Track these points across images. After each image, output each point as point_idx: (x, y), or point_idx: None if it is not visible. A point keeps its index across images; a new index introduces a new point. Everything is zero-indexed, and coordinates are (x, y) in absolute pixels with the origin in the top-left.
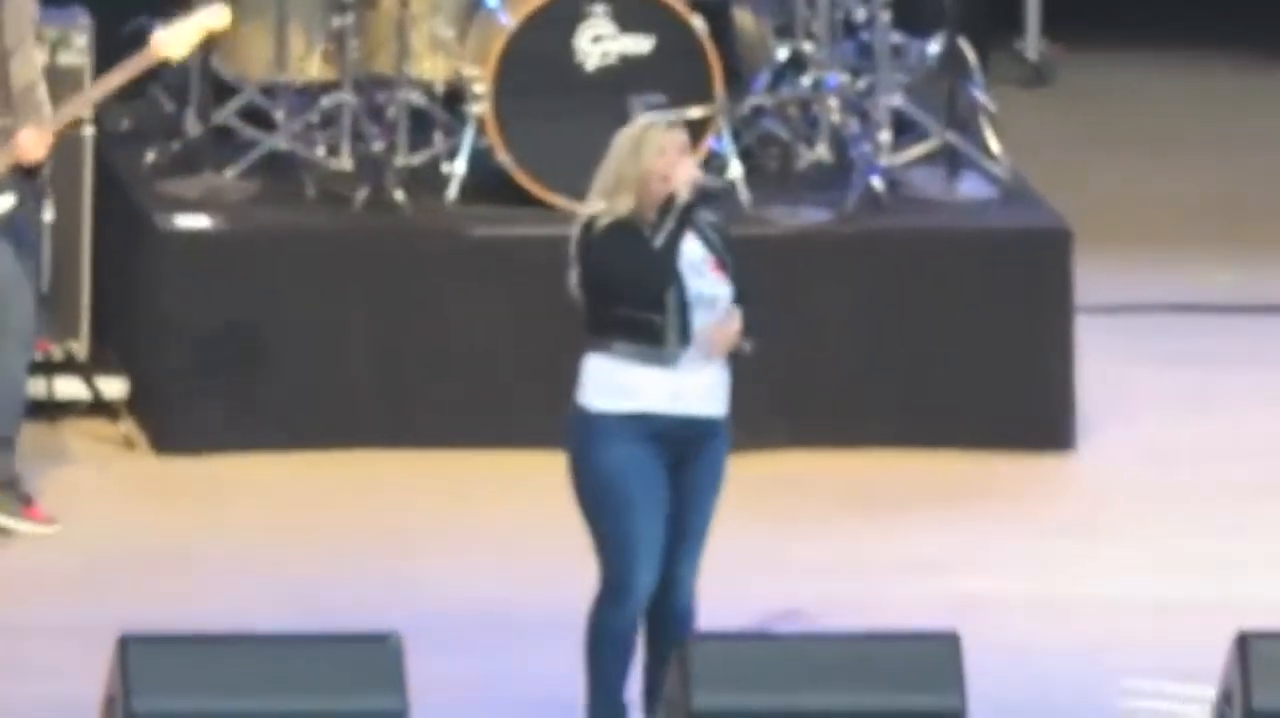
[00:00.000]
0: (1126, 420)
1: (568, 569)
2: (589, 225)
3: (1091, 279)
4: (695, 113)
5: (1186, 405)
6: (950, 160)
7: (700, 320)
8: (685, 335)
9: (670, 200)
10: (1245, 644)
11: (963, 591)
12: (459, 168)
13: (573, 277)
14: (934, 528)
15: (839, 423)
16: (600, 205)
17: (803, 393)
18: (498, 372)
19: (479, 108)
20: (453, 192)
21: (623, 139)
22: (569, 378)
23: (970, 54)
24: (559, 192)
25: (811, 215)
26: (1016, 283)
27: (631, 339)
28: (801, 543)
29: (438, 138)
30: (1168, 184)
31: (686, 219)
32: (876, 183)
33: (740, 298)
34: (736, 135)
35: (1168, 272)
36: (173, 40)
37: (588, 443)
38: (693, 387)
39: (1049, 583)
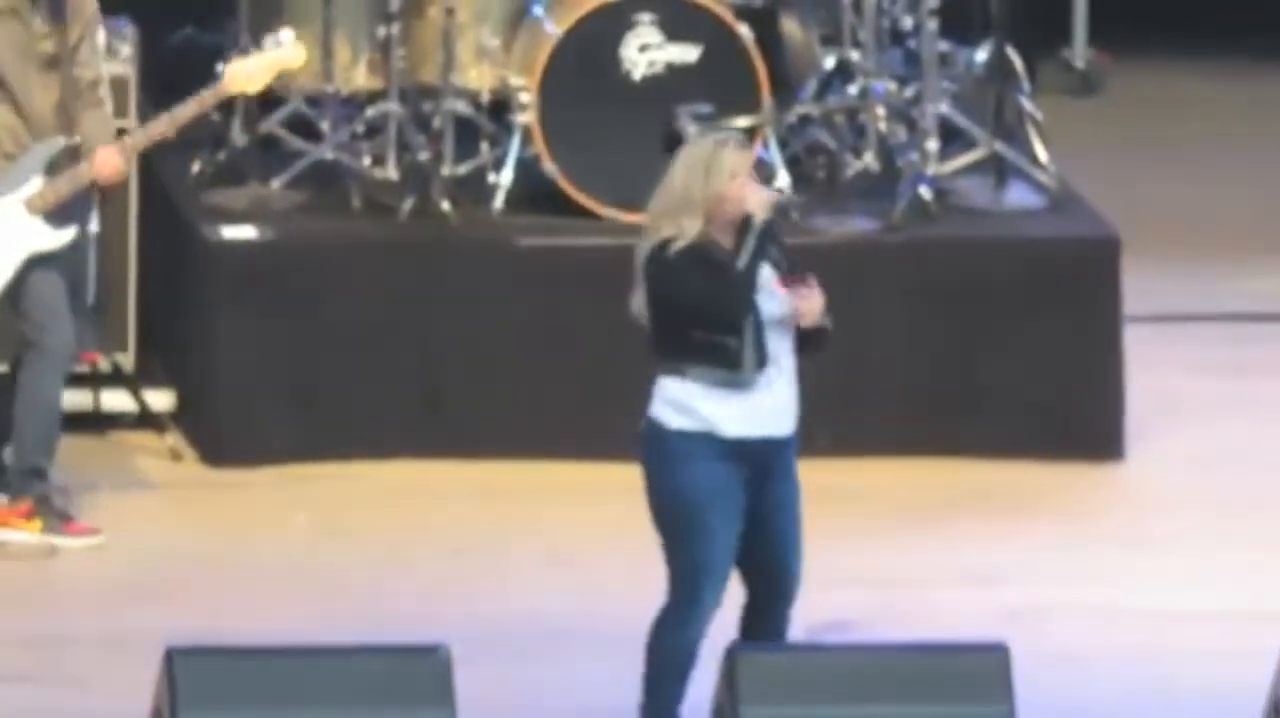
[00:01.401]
0: (1176, 430)
1: (616, 581)
2: (661, 248)
3: (1141, 288)
4: (742, 122)
5: (1236, 415)
6: (998, 169)
7: (773, 343)
8: (761, 358)
9: (746, 223)
10: None
11: (1013, 600)
12: (505, 177)
13: (637, 298)
14: (983, 538)
15: (887, 432)
16: (667, 226)
17: (850, 403)
18: (543, 382)
19: (525, 117)
20: (498, 201)
21: (692, 159)
22: (614, 389)
23: (1018, 62)
24: (605, 201)
25: (859, 225)
26: (1065, 292)
27: (707, 363)
28: (850, 553)
29: (484, 147)
30: (1217, 192)
31: (764, 242)
32: (924, 192)
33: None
34: (783, 144)
35: (1217, 280)
36: (246, 75)
37: (664, 460)
38: (769, 407)
39: (1099, 593)
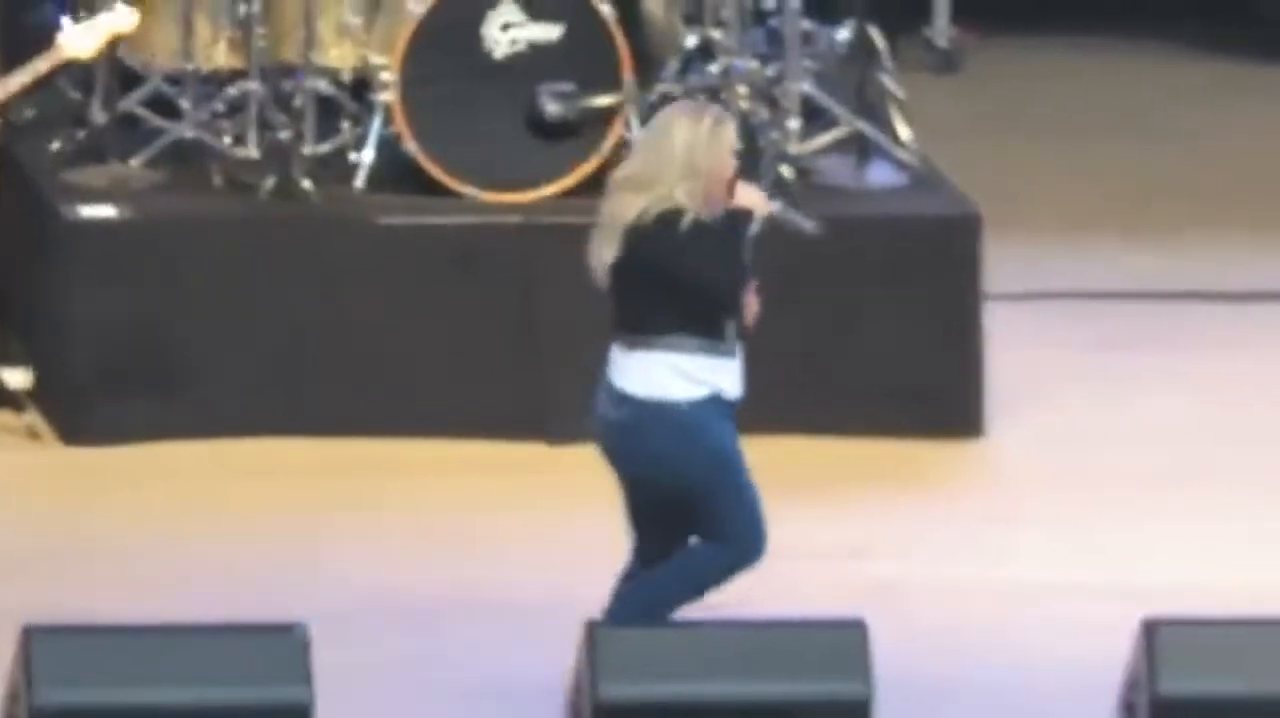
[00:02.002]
0: (1037, 407)
1: (474, 554)
2: (669, 218)
3: (1002, 265)
4: (604, 100)
5: (1097, 391)
6: (860, 148)
7: None
8: (739, 330)
9: (747, 215)
10: (1152, 631)
11: (875, 576)
12: (366, 156)
13: (604, 257)
14: (845, 514)
15: (750, 411)
16: (661, 191)
17: None
18: (405, 359)
19: (386, 96)
20: (360, 180)
21: (694, 129)
22: (475, 366)
23: (880, 41)
24: (467, 180)
25: None
26: (927, 270)
27: (695, 334)
28: None
29: (345, 126)
30: (1079, 169)
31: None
32: (786, 171)
33: None
34: (645, 123)
35: (1079, 257)
36: (79, 40)
37: (691, 432)
38: (741, 372)
39: (960, 568)
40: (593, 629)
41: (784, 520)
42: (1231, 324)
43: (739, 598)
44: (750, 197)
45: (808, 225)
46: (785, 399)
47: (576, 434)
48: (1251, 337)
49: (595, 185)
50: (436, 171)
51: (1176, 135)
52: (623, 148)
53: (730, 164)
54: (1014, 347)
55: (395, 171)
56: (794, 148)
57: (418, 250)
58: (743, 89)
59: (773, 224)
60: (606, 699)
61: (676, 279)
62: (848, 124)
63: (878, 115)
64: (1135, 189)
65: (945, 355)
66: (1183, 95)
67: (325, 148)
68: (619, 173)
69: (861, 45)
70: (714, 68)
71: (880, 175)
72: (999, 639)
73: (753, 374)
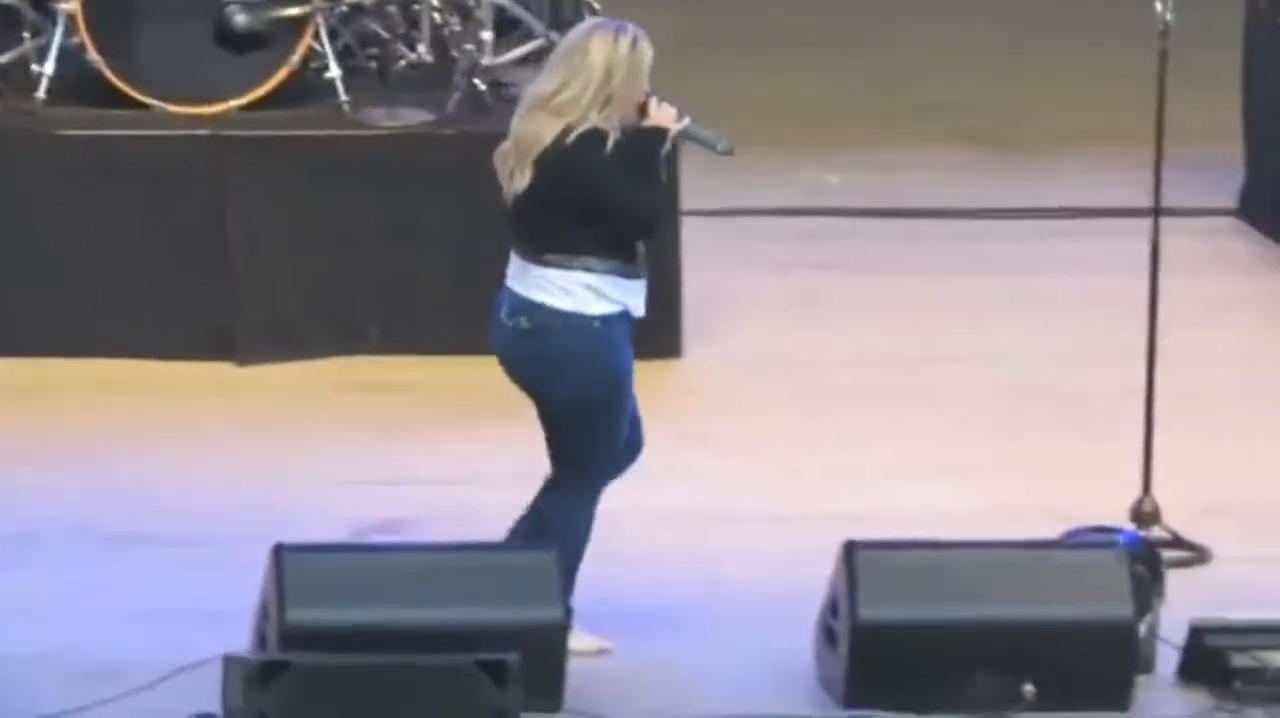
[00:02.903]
0: (734, 328)
1: (155, 481)
2: (587, 140)
3: (697, 183)
4: (292, 11)
5: (795, 312)
6: None
7: None
8: (647, 252)
9: (660, 134)
10: (852, 554)
11: None
12: (48, 67)
13: (518, 179)
14: (539, 437)
15: (441, 329)
16: (573, 114)
17: (403, 297)
18: (88, 277)
19: (68, 6)
20: (41, 91)
21: (613, 52)
22: (157, 283)
23: None
24: (153, 92)
25: (412, 117)
26: None
27: (609, 256)
28: (402, 452)
29: (26, 37)
30: (772, 86)
31: (672, 156)
32: (479, 84)
33: None
34: (334, 35)
35: (774, 175)
36: None
37: (595, 350)
38: (645, 290)
39: (657, 494)
40: (280, 553)
41: (470, 445)
42: (929, 243)
43: (426, 521)
44: (662, 115)
45: (718, 143)
46: (475, 319)
47: (266, 354)
48: (947, 256)
49: (285, 97)
50: (121, 84)
51: (868, 51)
52: (311, 59)
53: (645, 86)
54: (709, 266)
55: (78, 83)
56: (487, 59)
57: (102, 164)
58: (435, 0)
59: (683, 140)
60: (292, 623)
61: (599, 203)
62: (542, 36)
63: (573, 27)
64: (830, 105)
65: None
66: (872, 9)
67: (5, 58)
68: (533, 92)
69: None
70: None
71: None
72: (697, 565)
73: (440, 291)
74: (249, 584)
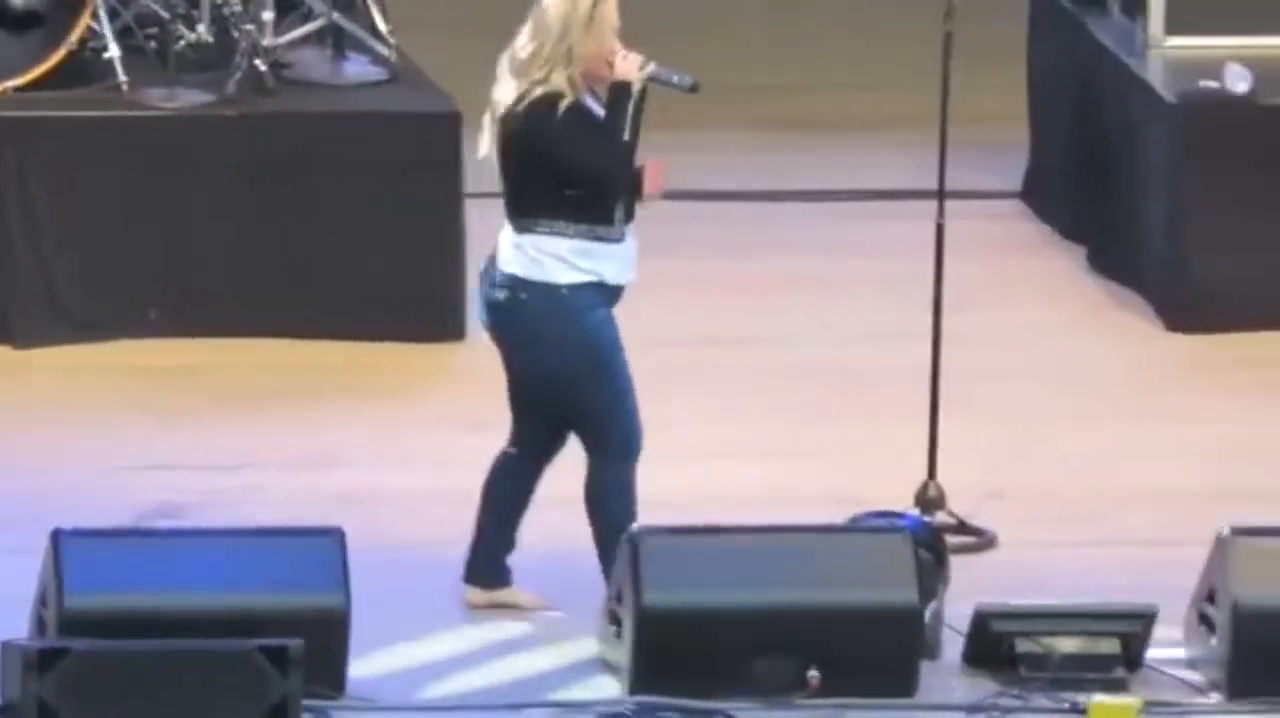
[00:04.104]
0: None
1: None
2: (543, 104)
3: (488, 165)
4: None
5: None
6: (336, 40)
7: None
8: (629, 214)
9: (624, 89)
10: (636, 542)
11: (353, 483)
12: None
13: (482, 143)
14: (323, 421)
15: (223, 313)
16: (537, 74)
17: (183, 282)
18: None
19: None
20: None
21: (575, 10)
22: None
23: None
24: None
25: (192, 98)
26: (405, 168)
27: (582, 219)
28: (183, 437)
29: None
30: None
31: (641, 107)
32: (259, 64)
33: None
34: (114, 14)
35: None
36: None
37: (566, 318)
38: (632, 256)
39: (442, 476)
40: (58, 539)
41: (253, 428)
42: (725, 225)
43: (207, 507)
44: (627, 66)
45: (684, 83)
46: (258, 300)
47: (44, 337)
48: (743, 238)
49: (63, 78)
50: None
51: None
52: (89, 39)
53: (613, 43)
54: (490, 246)
55: None
56: (268, 40)
57: None
58: None
59: (650, 84)
60: (72, 609)
61: (556, 166)
62: (323, 15)
63: (354, 8)
64: None
65: (425, 256)
66: None
67: None
68: (503, 55)
69: None
70: None
71: (357, 70)
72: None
73: (223, 274)
74: (28, 570)
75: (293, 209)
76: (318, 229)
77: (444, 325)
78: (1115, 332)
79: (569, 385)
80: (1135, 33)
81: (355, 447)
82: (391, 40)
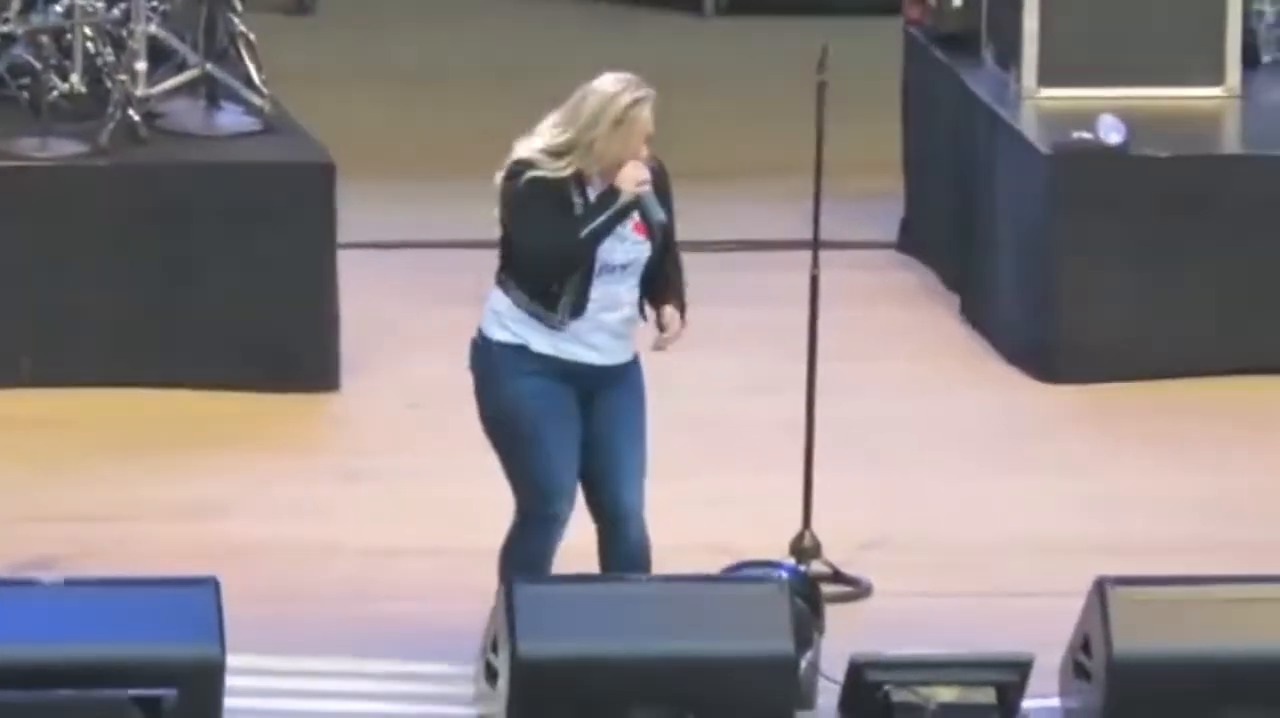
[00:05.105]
0: (392, 360)
1: None
2: (517, 169)
3: (356, 214)
4: None
5: (453, 345)
6: (210, 91)
7: (599, 289)
8: (578, 310)
9: (613, 195)
10: (512, 590)
11: (228, 534)
12: None
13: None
14: (199, 471)
15: (96, 363)
16: (538, 153)
17: (55, 330)
18: None
19: None
20: None
21: (604, 109)
22: None
23: None
24: None
25: (65, 148)
26: (279, 218)
27: (529, 293)
28: (56, 487)
29: None
30: (432, 117)
31: (621, 217)
32: (133, 114)
33: (667, 241)
34: None
35: (435, 206)
36: None
37: (491, 373)
38: (577, 349)
39: (314, 528)
40: None
41: (130, 479)
42: None
43: (83, 558)
44: (626, 173)
45: (655, 216)
46: (132, 351)
47: None
48: None
49: None
50: None
51: (540, 82)
52: None
53: (639, 148)
54: (367, 298)
55: None
56: (141, 90)
57: None
58: (88, 29)
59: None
60: None
61: (508, 227)
62: (197, 66)
63: (228, 58)
64: (500, 136)
65: (299, 307)
66: (545, 41)
67: None
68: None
69: None
70: (58, 7)
71: (231, 120)
72: (354, 601)
73: (96, 324)
74: None
75: (166, 259)
76: (191, 279)
77: (319, 376)
78: (989, 382)
79: (493, 438)
80: (1009, 84)
81: (231, 498)
82: (265, 91)
